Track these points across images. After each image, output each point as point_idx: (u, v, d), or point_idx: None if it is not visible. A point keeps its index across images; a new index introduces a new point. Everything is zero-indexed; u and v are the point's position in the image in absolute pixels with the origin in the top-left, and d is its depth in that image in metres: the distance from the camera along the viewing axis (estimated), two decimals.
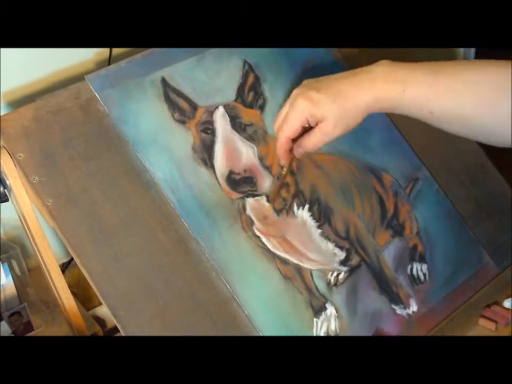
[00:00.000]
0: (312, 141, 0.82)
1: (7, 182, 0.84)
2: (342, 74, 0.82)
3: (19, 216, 0.89)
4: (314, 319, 0.86)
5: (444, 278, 0.96)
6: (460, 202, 1.02)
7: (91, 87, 0.87)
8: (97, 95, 0.87)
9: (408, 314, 0.90)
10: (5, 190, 0.86)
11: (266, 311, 0.84)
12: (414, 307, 0.91)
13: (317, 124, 0.81)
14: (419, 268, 0.95)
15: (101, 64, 0.98)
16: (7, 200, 0.86)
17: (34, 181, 0.82)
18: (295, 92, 0.83)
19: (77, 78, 0.92)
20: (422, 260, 0.95)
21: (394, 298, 0.91)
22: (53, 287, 0.92)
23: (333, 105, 0.78)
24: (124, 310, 0.79)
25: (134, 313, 0.79)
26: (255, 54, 0.96)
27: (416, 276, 0.94)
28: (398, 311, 0.90)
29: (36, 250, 0.90)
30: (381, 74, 0.78)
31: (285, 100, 0.89)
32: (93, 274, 0.80)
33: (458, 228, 1.00)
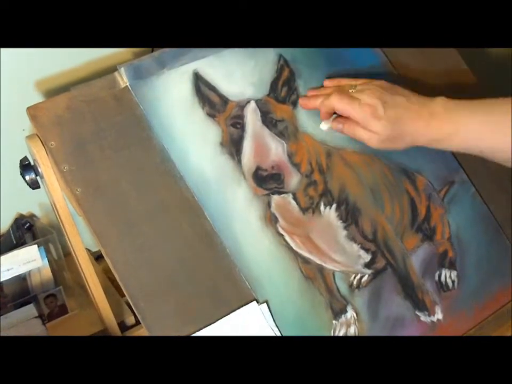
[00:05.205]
0: (355, 133, 0.86)
1: (39, 170, 0.86)
2: (406, 97, 0.85)
3: (51, 203, 0.91)
4: (334, 321, 0.85)
5: (473, 287, 0.93)
6: (499, 209, 0.98)
7: (124, 77, 0.88)
8: (129, 86, 0.88)
9: (432, 321, 0.87)
10: (37, 177, 0.87)
11: (285, 310, 0.83)
12: (439, 314, 0.89)
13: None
14: (448, 275, 0.92)
15: (141, 54, 0.98)
16: (38, 187, 0.88)
17: (64, 170, 0.83)
18: (372, 90, 0.85)
19: (114, 68, 0.92)
20: (451, 266, 0.93)
21: (419, 304, 0.89)
22: (82, 273, 0.94)
23: (389, 127, 0.83)
24: (145, 301, 0.79)
25: (155, 305, 0.80)
26: (291, 49, 0.95)
27: (444, 283, 0.91)
28: (422, 318, 0.88)
29: (66, 237, 0.92)
30: (438, 115, 0.82)
31: None
32: (116, 264, 0.80)
33: (494, 235, 0.96)
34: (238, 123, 0.89)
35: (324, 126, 0.90)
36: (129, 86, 0.88)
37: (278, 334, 0.82)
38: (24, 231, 1.14)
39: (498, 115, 0.80)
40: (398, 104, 0.84)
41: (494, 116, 0.80)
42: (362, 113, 0.84)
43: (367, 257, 0.89)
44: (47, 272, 1.08)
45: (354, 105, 0.85)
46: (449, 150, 0.85)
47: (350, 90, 0.87)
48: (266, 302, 0.83)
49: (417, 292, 0.90)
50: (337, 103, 0.86)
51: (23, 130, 1.00)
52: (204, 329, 0.79)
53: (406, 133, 0.84)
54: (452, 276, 0.92)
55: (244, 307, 0.82)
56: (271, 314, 0.82)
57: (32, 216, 1.19)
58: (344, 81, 0.91)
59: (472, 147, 0.82)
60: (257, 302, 0.82)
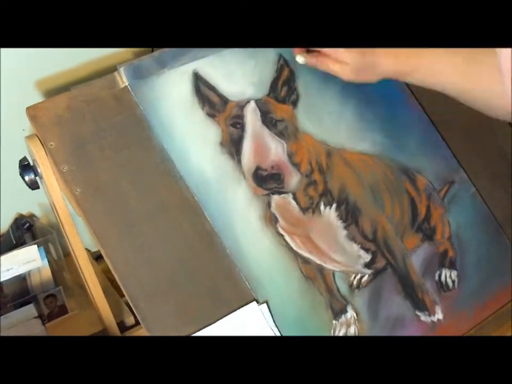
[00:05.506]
0: (328, 67, 0.88)
1: (39, 170, 0.86)
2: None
3: (50, 204, 0.91)
4: (334, 321, 0.85)
5: (474, 286, 0.93)
6: (500, 208, 0.98)
7: (124, 77, 0.88)
8: (128, 86, 0.87)
9: (432, 321, 0.87)
10: (36, 178, 0.87)
11: (285, 310, 0.83)
12: (439, 314, 0.89)
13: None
14: (448, 274, 0.92)
15: (141, 54, 0.98)
16: (38, 187, 0.88)
17: (64, 170, 0.83)
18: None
19: (114, 68, 0.92)
20: (452, 266, 0.93)
21: (419, 304, 0.89)
22: (81, 274, 0.94)
23: (359, 57, 0.86)
24: (145, 302, 0.79)
25: (155, 305, 0.80)
26: (291, 49, 0.94)
27: (444, 283, 0.91)
28: (422, 317, 0.88)
29: (65, 238, 0.92)
30: (406, 49, 0.86)
31: (319, 97, 0.92)
32: (116, 265, 0.80)
33: (494, 235, 0.96)
34: (237, 123, 0.89)
35: (300, 58, 0.89)
36: (129, 86, 0.88)
37: (278, 334, 0.82)
38: (24, 231, 1.14)
39: (461, 58, 0.83)
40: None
41: (456, 57, 0.84)
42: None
43: (367, 257, 0.89)
44: (47, 272, 1.08)
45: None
46: (415, 84, 0.88)
47: None
48: (266, 302, 0.83)
49: (417, 292, 0.90)
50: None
51: (23, 130, 1.00)
52: (204, 329, 0.79)
53: (376, 64, 0.86)
54: (452, 275, 0.92)
55: (244, 307, 0.82)
56: (271, 314, 0.82)
57: (32, 216, 1.19)
58: None
59: (434, 82, 0.86)
60: (257, 302, 0.82)
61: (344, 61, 0.85)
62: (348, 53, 0.85)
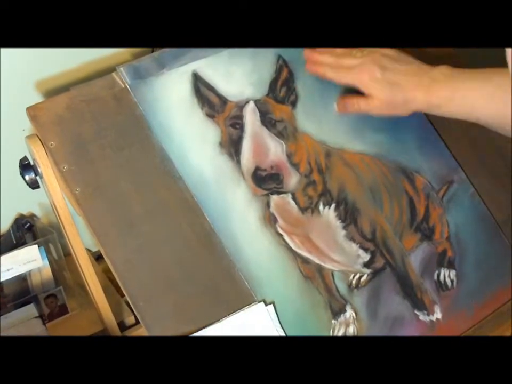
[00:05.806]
0: (356, 104, 0.89)
1: (39, 170, 0.86)
2: (408, 65, 0.87)
3: (50, 203, 0.91)
4: (333, 321, 0.85)
5: (472, 286, 0.93)
6: (498, 208, 0.98)
7: (123, 77, 0.88)
8: (128, 86, 0.88)
9: (431, 321, 0.87)
10: (37, 177, 0.87)
11: (284, 310, 0.83)
12: (438, 314, 0.89)
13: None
14: (447, 274, 0.92)
15: (140, 54, 0.98)
16: (38, 187, 0.88)
17: (64, 169, 0.83)
18: (375, 57, 0.88)
19: (114, 68, 0.93)
20: (450, 265, 0.93)
21: (418, 303, 0.89)
22: (81, 273, 0.94)
23: (387, 90, 0.86)
24: (145, 301, 0.80)
25: (154, 304, 0.80)
26: (290, 49, 0.95)
27: (443, 282, 0.91)
28: (421, 317, 0.88)
29: (66, 237, 0.92)
30: (438, 82, 0.84)
31: (318, 97, 0.92)
32: (116, 264, 0.81)
33: (493, 235, 0.96)
34: (237, 123, 0.89)
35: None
36: (128, 86, 0.88)
37: (283, 335, 0.82)
38: (25, 231, 1.15)
39: (493, 86, 0.82)
40: (398, 70, 0.86)
41: (488, 86, 0.82)
42: (361, 76, 0.87)
43: (366, 257, 0.89)
44: (48, 272, 1.08)
45: (352, 72, 0.87)
46: (448, 116, 0.86)
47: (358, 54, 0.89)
48: (273, 303, 0.83)
49: (416, 291, 0.90)
50: (337, 79, 0.89)
51: (23, 130, 1.01)
52: (208, 328, 0.79)
53: (407, 99, 0.85)
54: (451, 275, 0.92)
55: (251, 307, 0.82)
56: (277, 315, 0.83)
57: (32, 216, 1.19)
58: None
59: (468, 114, 0.84)
60: (264, 303, 0.82)
61: (372, 94, 0.86)
62: (375, 84, 0.86)
